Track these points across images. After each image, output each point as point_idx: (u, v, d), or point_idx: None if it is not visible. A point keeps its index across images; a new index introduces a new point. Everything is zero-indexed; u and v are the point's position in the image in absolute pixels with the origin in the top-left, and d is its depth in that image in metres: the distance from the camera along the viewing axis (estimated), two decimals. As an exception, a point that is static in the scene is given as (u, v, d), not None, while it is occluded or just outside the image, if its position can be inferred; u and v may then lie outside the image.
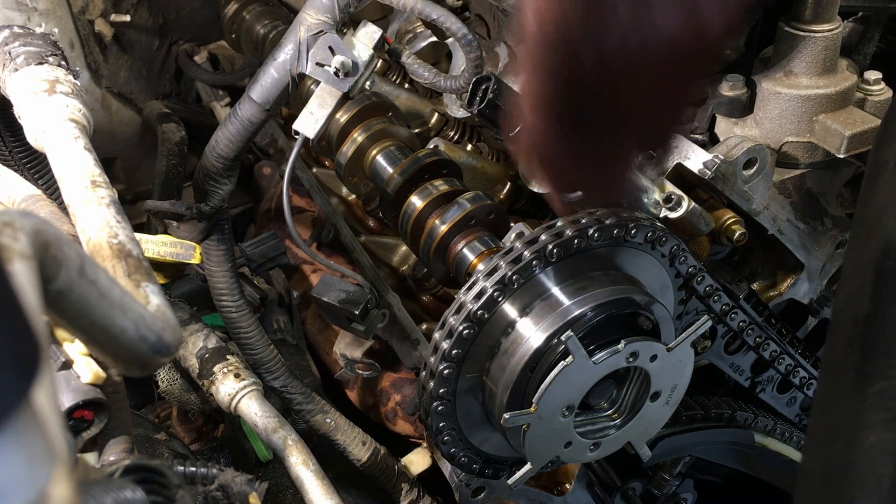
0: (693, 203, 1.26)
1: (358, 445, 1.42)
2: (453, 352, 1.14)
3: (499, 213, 1.38)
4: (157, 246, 1.43)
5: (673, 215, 1.25)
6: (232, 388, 1.34)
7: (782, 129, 1.32)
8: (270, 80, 1.24)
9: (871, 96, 1.34)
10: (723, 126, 1.36)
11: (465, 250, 1.34)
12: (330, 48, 1.20)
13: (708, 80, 0.89)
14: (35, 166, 1.35)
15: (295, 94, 1.45)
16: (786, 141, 1.33)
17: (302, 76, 1.23)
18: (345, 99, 1.26)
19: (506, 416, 1.11)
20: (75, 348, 0.94)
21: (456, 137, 1.80)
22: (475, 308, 1.13)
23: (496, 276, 1.13)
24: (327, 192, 1.91)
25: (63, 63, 1.24)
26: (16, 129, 1.29)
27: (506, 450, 1.29)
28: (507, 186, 1.67)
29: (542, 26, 0.75)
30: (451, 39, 1.61)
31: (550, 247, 1.12)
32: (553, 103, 0.82)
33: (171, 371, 1.48)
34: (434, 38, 1.71)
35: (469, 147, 1.76)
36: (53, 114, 1.13)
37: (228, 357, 1.39)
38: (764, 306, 1.49)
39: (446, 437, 1.22)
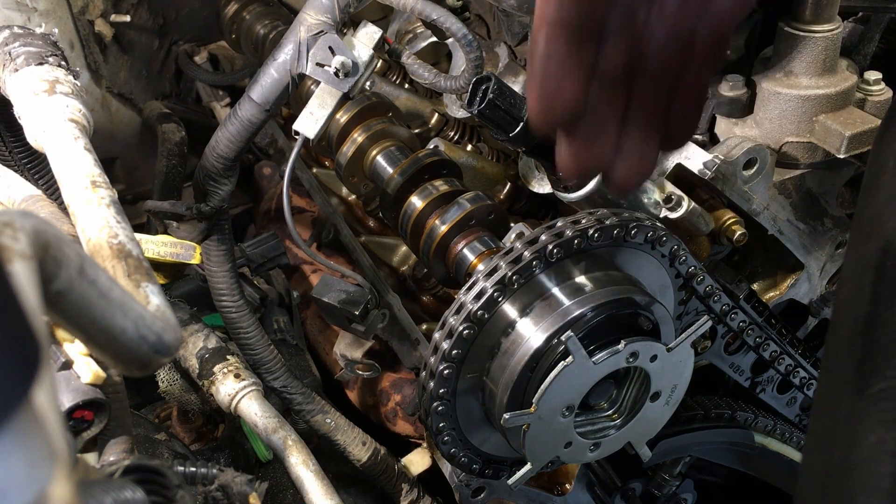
0: (693, 203, 1.26)
1: (358, 445, 1.42)
2: (453, 352, 1.14)
3: (499, 213, 1.38)
4: (157, 246, 1.43)
5: (673, 215, 1.25)
6: (232, 388, 1.34)
7: (782, 130, 1.32)
8: (270, 81, 1.24)
9: (871, 96, 1.34)
10: (723, 126, 1.36)
11: (465, 250, 1.34)
12: (330, 48, 1.20)
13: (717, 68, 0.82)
14: (35, 166, 1.35)
15: (295, 94, 1.45)
16: (786, 141, 1.33)
17: (302, 76, 1.23)
18: (345, 99, 1.26)
19: (506, 416, 1.11)
20: (75, 348, 0.94)
21: (456, 137, 1.80)
22: (475, 308, 1.13)
23: (496, 277, 1.13)
24: (327, 192, 1.91)
25: (63, 63, 1.24)
26: (16, 129, 1.29)
27: (506, 450, 1.29)
28: (507, 186, 1.68)
29: None
30: (451, 39, 1.61)
31: (550, 247, 1.12)
32: (570, 18, 0.75)
33: (171, 371, 1.48)
34: (434, 38, 1.71)
35: (469, 147, 1.76)
36: (53, 114, 1.13)
37: (228, 357, 1.39)
38: (764, 306, 1.49)
39: (446, 438, 1.22)
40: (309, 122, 1.26)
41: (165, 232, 1.44)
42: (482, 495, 1.38)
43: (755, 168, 1.29)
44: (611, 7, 0.76)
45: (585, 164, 0.84)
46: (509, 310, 1.15)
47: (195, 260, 1.44)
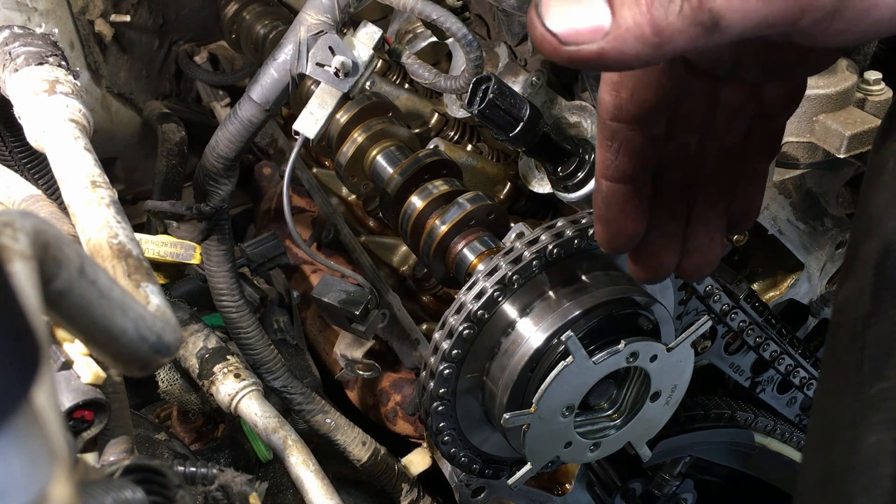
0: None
1: (358, 445, 1.42)
2: (453, 352, 1.14)
3: (499, 213, 1.38)
4: (157, 246, 1.43)
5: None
6: (232, 388, 1.34)
7: (782, 130, 1.32)
8: (270, 81, 1.24)
9: (871, 96, 1.34)
10: (723, 126, 1.36)
11: (465, 250, 1.34)
12: (330, 48, 1.20)
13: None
14: (35, 166, 1.35)
15: (295, 94, 1.45)
16: (786, 141, 1.33)
17: (302, 76, 1.23)
18: (345, 99, 1.26)
19: (506, 416, 1.11)
20: (75, 348, 0.94)
21: (456, 137, 1.80)
22: (475, 308, 1.13)
23: (496, 276, 1.13)
24: (327, 192, 1.91)
25: (63, 63, 1.24)
26: (16, 129, 1.29)
27: (506, 450, 1.29)
28: (507, 186, 1.67)
29: (618, 101, 0.75)
30: (451, 39, 1.61)
31: (551, 247, 1.12)
32: (628, 173, 0.80)
33: (171, 371, 1.48)
34: (434, 38, 1.71)
35: (469, 147, 1.76)
36: (53, 114, 1.13)
37: (228, 357, 1.39)
38: (764, 306, 1.49)
39: (446, 437, 1.22)
40: (309, 122, 1.26)
41: (165, 232, 1.44)
42: (482, 495, 1.38)
43: (755, 168, 1.29)
44: (663, 150, 0.80)
45: (657, 273, 0.89)
46: (509, 310, 1.15)
47: (195, 260, 1.44)
